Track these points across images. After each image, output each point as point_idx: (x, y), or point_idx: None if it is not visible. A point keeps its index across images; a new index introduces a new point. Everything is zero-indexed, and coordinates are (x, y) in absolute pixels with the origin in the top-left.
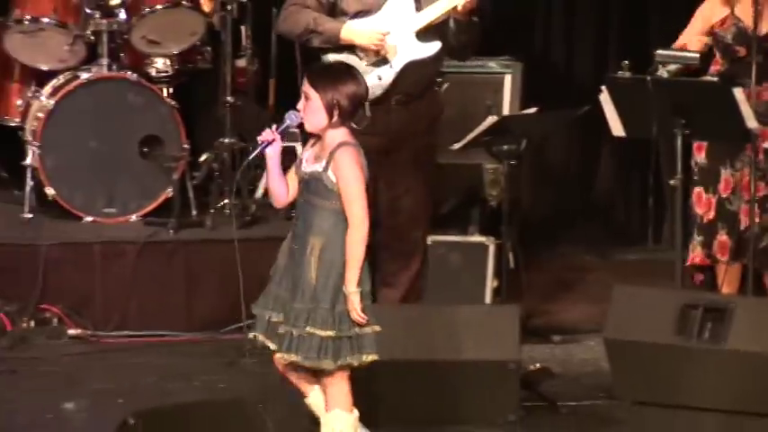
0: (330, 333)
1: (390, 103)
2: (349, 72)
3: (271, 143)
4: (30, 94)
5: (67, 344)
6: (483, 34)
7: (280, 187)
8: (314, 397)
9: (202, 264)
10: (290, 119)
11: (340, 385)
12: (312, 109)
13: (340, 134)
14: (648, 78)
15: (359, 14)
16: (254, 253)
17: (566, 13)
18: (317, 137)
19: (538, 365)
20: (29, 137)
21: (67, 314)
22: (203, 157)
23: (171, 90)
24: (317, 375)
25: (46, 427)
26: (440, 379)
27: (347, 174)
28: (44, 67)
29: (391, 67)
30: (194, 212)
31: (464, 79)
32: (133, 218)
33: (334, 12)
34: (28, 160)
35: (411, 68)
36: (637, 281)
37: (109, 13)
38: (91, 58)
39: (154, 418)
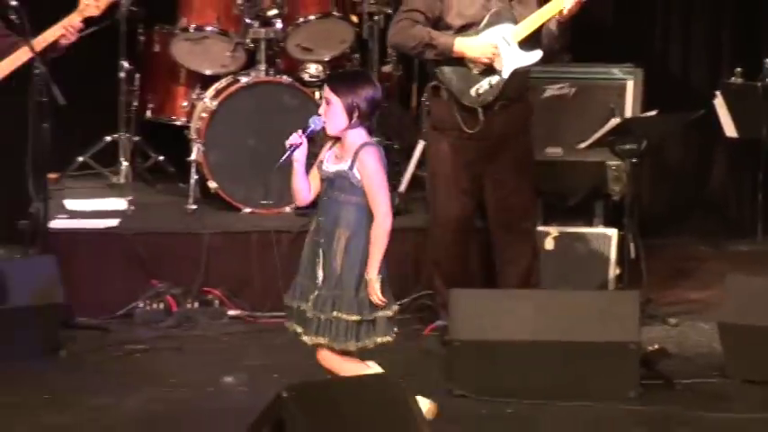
0: (355, 318)
1: (494, 107)
2: (366, 77)
3: (298, 146)
4: (194, 96)
5: (227, 324)
6: (608, 43)
7: (304, 187)
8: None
9: None
10: (315, 123)
11: (352, 362)
12: (334, 112)
13: (360, 135)
14: (759, 84)
15: (463, 28)
16: (397, 243)
17: (682, 25)
18: (337, 138)
19: (656, 346)
20: (193, 135)
21: (228, 296)
22: None
23: None
24: (341, 353)
25: (208, 399)
26: (566, 358)
27: (371, 172)
28: (207, 72)
29: (500, 75)
30: None
31: (590, 85)
32: (287, 209)
33: (439, 26)
34: (192, 156)
35: (515, 75)
36: (747, 270)
37: (267, 22)
38: (250, 63)
39: (305, 391)
